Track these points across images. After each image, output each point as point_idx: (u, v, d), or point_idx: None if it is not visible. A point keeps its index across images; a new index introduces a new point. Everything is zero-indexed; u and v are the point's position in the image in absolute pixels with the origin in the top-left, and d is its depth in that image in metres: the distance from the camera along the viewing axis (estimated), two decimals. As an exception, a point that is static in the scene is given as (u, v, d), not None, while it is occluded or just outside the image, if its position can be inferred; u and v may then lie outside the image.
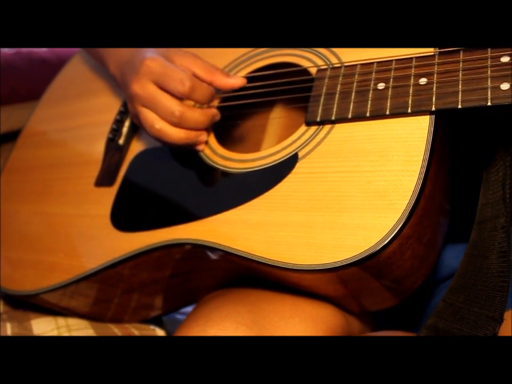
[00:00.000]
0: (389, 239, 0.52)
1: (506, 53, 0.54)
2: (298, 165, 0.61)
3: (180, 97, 0.64)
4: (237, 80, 0.67)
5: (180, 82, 0.62)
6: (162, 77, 0.63)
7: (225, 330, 0.60)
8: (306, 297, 0.64)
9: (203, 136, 0.68)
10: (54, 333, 0.75)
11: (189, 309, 0.82)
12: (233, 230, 0.61)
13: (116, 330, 0.80)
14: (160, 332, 0.82)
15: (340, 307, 0.66)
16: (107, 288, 0.74)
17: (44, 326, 0.76)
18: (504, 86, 0.53)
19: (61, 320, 0.78)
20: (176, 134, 0.65)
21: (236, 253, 0.60)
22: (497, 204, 0.60)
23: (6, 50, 1.09)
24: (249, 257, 0.59)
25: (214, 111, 0.68)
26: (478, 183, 0.63)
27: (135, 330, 0.81)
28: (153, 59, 0.64)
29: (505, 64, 0.54)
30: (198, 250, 0.65)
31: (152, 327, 0.82)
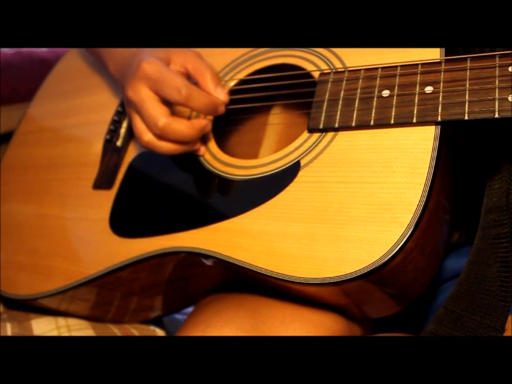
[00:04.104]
0: (393, 253, 0.52)
1: (515, 62, 0.53)
2: (300, 173, 0.60)
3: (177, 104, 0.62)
4: (219, 95, 0.64)
5: (175, 89, 0.60)
6: (158, 83, 0.61)
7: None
8: (307, 302, 0.64)
9: (195, 146, 0.67)
10: (54, 333, 0.75)
11: (189, 309, 0.82)
12: (233, 239, 0.60)
13: (115, 330, 0.79)
14: (160, 332, 0.82)
15: (341, 312, 0.65)
16: (106, 292, 0.73)
17: (44, 326, 0.76)
18: (512, 98, 0.52)
19: (61, 320, 0.78)
20: (164, 147, 0.64)
21: (236, 263, 0.59)
22: (501, 212, 0.59)
23: (6, 50, 1.08)
24: (250, 268, 0.58)
25: (203, 122, 0.65)
26: (479, 188, 0.62)
27: (135, 330, 0.81)
28: (149, 63, 0.61)
29: (513, 74, 0.53)
30: (198, 258, 0.64)
31: (152, 327, 0.82)
